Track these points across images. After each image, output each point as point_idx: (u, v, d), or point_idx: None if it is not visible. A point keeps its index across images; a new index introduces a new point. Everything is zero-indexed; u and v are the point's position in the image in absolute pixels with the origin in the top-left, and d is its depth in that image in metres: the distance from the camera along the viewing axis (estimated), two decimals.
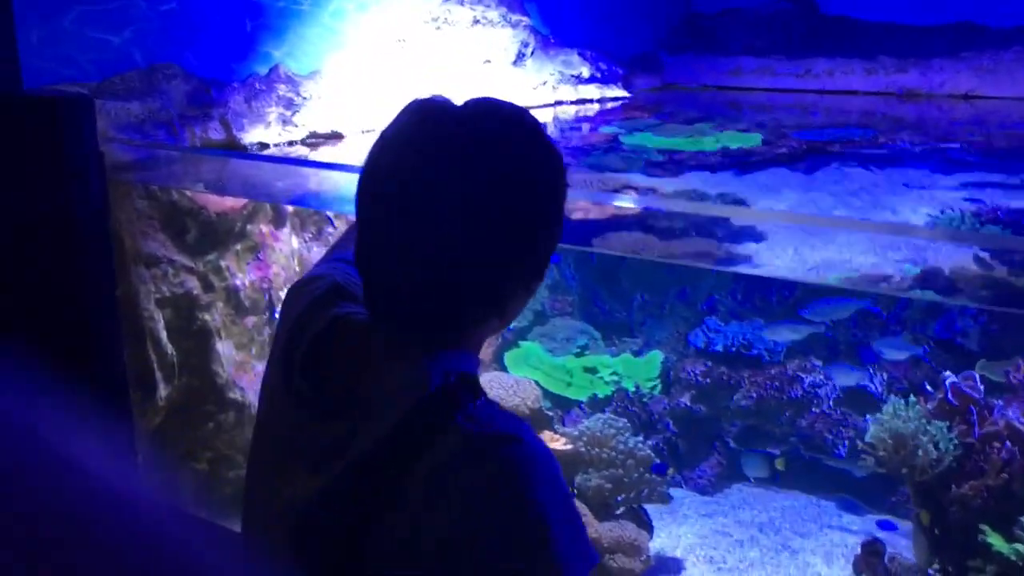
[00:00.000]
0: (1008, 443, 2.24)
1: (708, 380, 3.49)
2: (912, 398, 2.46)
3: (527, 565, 0.87)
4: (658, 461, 2.91)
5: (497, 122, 1.00)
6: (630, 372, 3.57)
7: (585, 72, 4.78)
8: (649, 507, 3.03)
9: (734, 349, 3.49)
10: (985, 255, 2.58)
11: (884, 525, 3.08)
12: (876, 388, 3.31)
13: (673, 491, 3.33)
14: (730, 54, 5.09)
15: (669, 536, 3.09)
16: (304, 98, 3.63)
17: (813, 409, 3.37)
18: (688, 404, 3.48)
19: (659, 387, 3.56)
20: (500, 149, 0.98)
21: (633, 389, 3.50)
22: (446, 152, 0.97)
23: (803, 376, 3.41)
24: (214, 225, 2.94)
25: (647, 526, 2.88)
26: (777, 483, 3.38)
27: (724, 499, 3.37)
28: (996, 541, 2.15)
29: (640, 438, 2.91)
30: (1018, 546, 2.12)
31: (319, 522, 0.97)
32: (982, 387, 2.43)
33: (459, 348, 1.00)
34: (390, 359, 0.98)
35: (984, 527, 2.20)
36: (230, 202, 2.97)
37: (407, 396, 0.93)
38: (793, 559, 2.97)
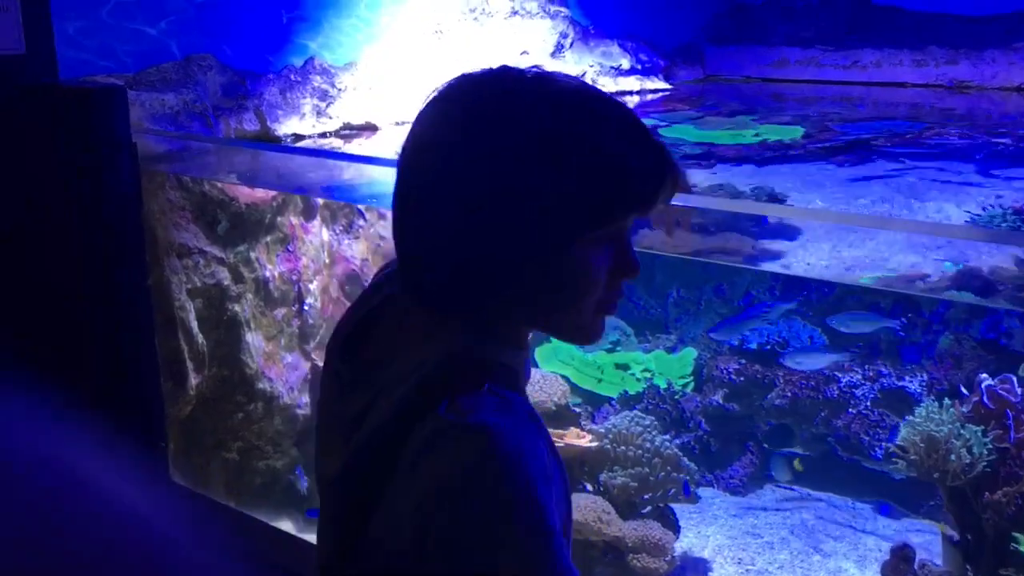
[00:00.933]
0: None
1: (742, 378, 3.42)
2: (947, 400, 2.39)
3: (480, 571, 0.82)
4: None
5: (515, 86, 0.94)
6: (663, 369, 3.52)
7: (625, 64, 4.72)
8: (678, 507, 2.99)
9: (769, 347, 3.42)
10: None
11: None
12: (916, 389, 3.22)
13: (704, 491, 3.28)
14: (775, 45, 4.99)
15: (697, 536, 3.04)
16: (339, 90, 3.64)
17: (850, 409, 3.29)
18: (721, 402, 3.43)
19: (692, 384, 3.51)
20: (514, 113, 0.91)
21: (665, 386, 3.45)
22: (447, 117, 0.95)
23: (839, 376, 3.33)
24: (244, 216, 2.96)
25: (673, 526, 2.83)
26: (801, 484, 3.31)
27: (756, 500, 3.31)
28: None
29: (667, 436, 2.86)
30: None
31: (338, 498, 0.98)
32: (1020, 390, 2.34)
33: (486, 334, 0.95)
34: (413, 337, 0.97)
35: (1017, 535, 2.12)
36: (260, 193, 2.99)
37: (411, 376, 0.92)
38: (824, 563, 2.90)
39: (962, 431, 2.26)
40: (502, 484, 0.82)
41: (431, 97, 0.97)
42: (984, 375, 2.41)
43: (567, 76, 0.98)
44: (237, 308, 2.99)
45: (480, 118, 0.92)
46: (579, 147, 0.91)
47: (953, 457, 2.23)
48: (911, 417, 2.41)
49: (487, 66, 0.98)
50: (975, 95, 4.33)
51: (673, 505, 2.91)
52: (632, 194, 0.93)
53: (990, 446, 2.25)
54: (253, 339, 3.05)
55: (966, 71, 4.36)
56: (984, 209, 2.52)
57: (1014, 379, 2.36)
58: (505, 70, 0.96)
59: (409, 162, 0.97)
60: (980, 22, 4.46)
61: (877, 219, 2.56)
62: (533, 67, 0.99)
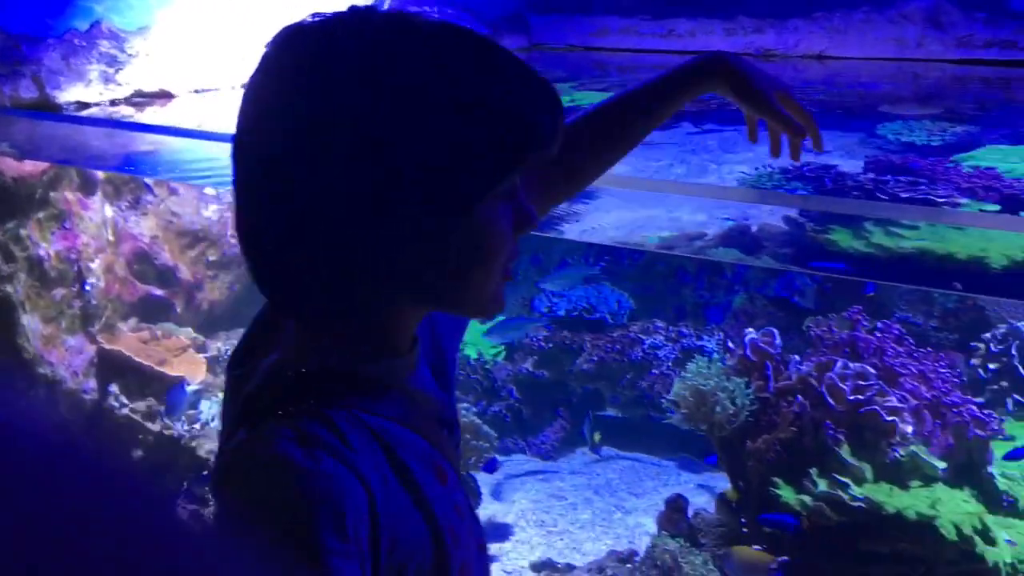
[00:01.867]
0: (800, 397, 2.25)
1: (551, 345, 3.45)
2: (715, 355, 2.46)
3: None
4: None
5: (374, 27, 0.79)
6: (473, 339, 3.51)
7: None
8: (486, 476, 3.00)
9: (576, 313, 3.45)
10: (792, 213, 2.59)
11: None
12: (713, 348, 3.32)
13: (514, 457, 3.31)
14: (597, 14, 5.03)
15: (503, 502, 3.05)
16: (130, 55, 3.45)
17: (653, 371, 3.36)
18: (531, 370, 3.45)
19: (503, 353, 3.51)
20: (384, 57, 0.77)
21: (476, 356, 3.44)
22: (291, 70, 0.79)
23: (644, 338, 3.40)
24: (11, 191, 2.77)
25: (474, 492, 2.83)
26: (610, 445, 3.38)
27: (565, 464, 3.35)
28: (786, 493, 2.16)
29: (465, 404, 2.85)
30: (804, 498, 2.13)
31: None
32: (780, 343, 2.43)
33: (342, 337, 0.83)
34: (275, 342, 0.86)
35: (777, 480, 2.20)
36: (28, 166, 2.80)
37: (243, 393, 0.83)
38: (624, 519, 2.97)
39: (727, 383, 2.34)
40: (279, 526, 0.71)
41: (264, 52, 0.81)
42: (749, 329, 2.49)
43: (425, 13, 0.83)
44: (9, 289, 2.81)
45: (341, 66, 0.77)
46: (466, 88, 0.78)
47: (719, 408, 2.30)
48: (684, 372, 2.48)
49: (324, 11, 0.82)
50: (780, 63, 4.48)
51: (475, 473, 2.91)
52: (535, 133, 0.81)
53: (752, 396, 2.33)
54: (30, 321, 2.86)
55: (772, 40, 4.50)
56: (756, 169, 2.60)
57: (775, 332, 2.44)
58: (354, 10, 0.80)
59: (251, 127, 0.80)
60: None
61: (659, 183, 2.61)
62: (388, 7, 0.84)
